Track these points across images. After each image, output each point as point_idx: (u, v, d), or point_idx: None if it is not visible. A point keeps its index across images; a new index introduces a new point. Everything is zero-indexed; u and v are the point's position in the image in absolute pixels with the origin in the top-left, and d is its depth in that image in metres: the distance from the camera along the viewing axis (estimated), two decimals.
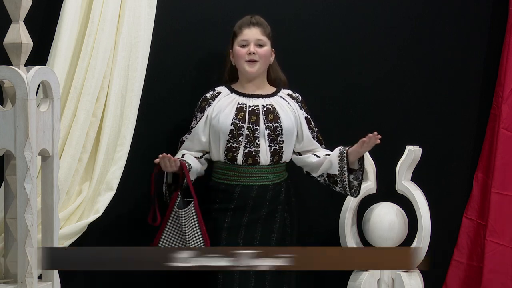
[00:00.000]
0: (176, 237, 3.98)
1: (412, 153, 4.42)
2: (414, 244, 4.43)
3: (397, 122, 4.67)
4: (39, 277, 3.64)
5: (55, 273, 3.64)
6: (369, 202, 4.50)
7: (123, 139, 4.03)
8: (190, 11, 4.32)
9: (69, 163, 3.88)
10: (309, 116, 4.16)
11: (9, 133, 3.46)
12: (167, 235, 3.97)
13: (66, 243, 3.91)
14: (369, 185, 4.46)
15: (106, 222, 4.05)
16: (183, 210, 3.93)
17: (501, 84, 4.70)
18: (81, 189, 3.97)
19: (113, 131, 4.01)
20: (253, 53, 4.04)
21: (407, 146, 4.47)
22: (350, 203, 4.42)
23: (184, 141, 4.08)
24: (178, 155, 4.05)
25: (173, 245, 3.97)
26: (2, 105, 3.58)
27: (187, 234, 3.94)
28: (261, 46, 4.07)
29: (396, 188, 4.48)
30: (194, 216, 3.97)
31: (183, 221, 3.93)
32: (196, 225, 3.97)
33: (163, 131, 4.29)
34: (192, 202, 3.95)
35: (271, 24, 4.22)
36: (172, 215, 3.96)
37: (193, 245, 3.96)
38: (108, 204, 4.00)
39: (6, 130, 3.46)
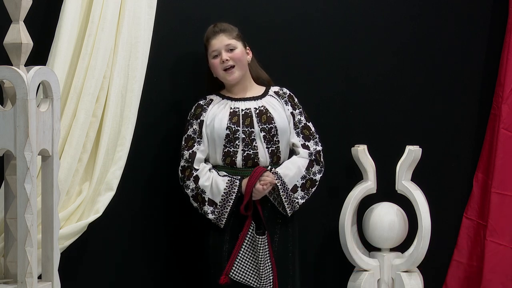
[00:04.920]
0: (250, 264, 3.98)
1: (412, 153, 4.42)
2: (414, 244, 4.43)
3: (397, 122, 4.67)
4: (39, 277, 3.64)
5: (55, 273, 3.64)
6: (369, 202, 4.51)
7: (123, 139, 4.03)
8: (190, 11, 4.32)
9: (69, 163, 3.87)
10: (295, 111, 4.13)
11: (9, 133, 3.45)
12: (240, 261, 3.97)
13: (66, 243, 3.91)
14: (369, 185, 4.46)
15: (106, 222, 4.05)
16: (263, 237, 3.96)
17: (501, 84, 4.70)
18: (81, 189, 3.97)
19: (113, 131, 4.01)
20: (226, 60, 4.04)
21: (407, 146, 4.47)
22: (350, 203, 4.41)
23: (195, 153, 4.02)
24: (204, 171, 3.99)
25: (246, 272, 3.98)
26: (2, 105, 3.58)
27: (261, 262, 3.96)
28: (232, 50, 4.06)
29: (396, 188, 4.48)
30: (267, 246, 3.99)
31: (261, 249, 3.96)
32: (267, 255, 3.99)
33: (163, 131, 4.29)
34: (266, 232, 3.99)
35: (271, 24, 4.22)
36: (247, 241, 3.97)
37: (265, 275, 3.98)
38: (108, 204, 3.99)
39: (6, 130, 3.46)
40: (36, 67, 3.52)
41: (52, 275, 3.63)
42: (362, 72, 4.62)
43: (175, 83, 4.31)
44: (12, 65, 3.50)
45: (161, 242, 4.30)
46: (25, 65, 3.55)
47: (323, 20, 4.55)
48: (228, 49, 4.05)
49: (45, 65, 3.80)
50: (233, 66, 4.04)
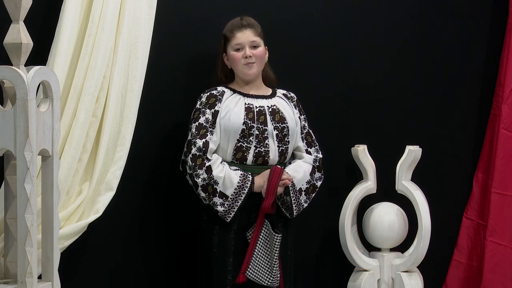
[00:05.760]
0: (263, 262, 3.98)
1: (412, 153, 4.42)
2: (414, 244, 4.43)
3: (397, 122, 4.67)
4: (39, 277, 3.64)
5: (55, 273, 3.64)
6: (369, 202, 4.51)
7: (123, 139, 4.03)
8: (190, 11, 4.32)
9: (69, 163, 3.87)
10: (301, 116, 4.16)
11: (9, 133, 3.45)
12: (255, 260, 3.97)
13: (66, 243, 3.91)
14: (369, 185, 4.46)
15: (106, 222, 4.05)
16: (279, 235, 3.96)
17: (501, 84, 4.70)
18: (81, 189, 3.97)
19: (113, 131, 4.01)
20: (250, 56, 4.04)
21: (407, 146, 4.47)
22: (350, 203, 4.42)
23: (208, 143, 3.97)
24: (217, 162, 3.96)
25: (259, 270, 3.97)
26: (2, 105, 3.58)
27: (275, 260, 3.96)
28: (255, 47, 4.06)
29: (396, 188, 4.48)
30: (278, 245, 3.99)
31: (276, 247, 3.96)
32: (277, 254, 3.99)
33: (163, 131, 4.29)
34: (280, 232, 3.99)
35: (271, 24, 4.22)
36: (261, 240, 3.97)
37: (275, 272, 3.98)
38: (108, 204, 3.99)
39: (6, 130, 3.46)
40: (36, 67, 3.52)
41: (52, 275, 3.63)
42: (362, 72, 4.62)
43: (175, 83, 4.31)
44: (12, 65, 3.50)
45: (161, 242, 4.30)
46: (25, 65, 3.55)
47: (323, 20, 4.55)
48: (252, 45, 4.05)
49: (45, 65, 3.80)
50: (253, 63, 4.05)
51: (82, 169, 3.94)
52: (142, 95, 4.07)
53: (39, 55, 3.86)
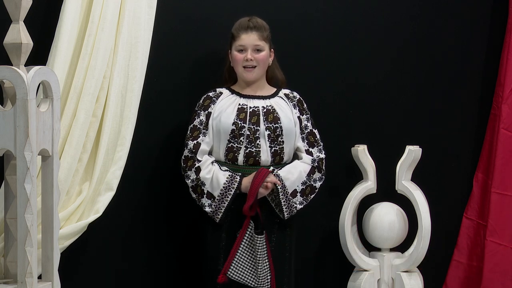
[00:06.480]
0: (248, 264, 3.97)
1: (412, 153, 4.42)
2: (414, 244, 4.43)
3: (397, 122, 4.67)
4: (39, 277, 3.64)
5: (55, 273, 3.64)
6: (369, 202, 4.51)
7: (123, 139, 4.03)
8: (190, 11, 4.32)
9: (69, 163, 3.88)
10: (302, 116, 4.14)
11: (9, 133, 3.46)
12: (238, 261, 3.96)
13: (66, 243, 3.91)
14: (369, 185, 4.46)
15: (106, 222, 4.05)
16: (261, 237, 3.94)
17: (501, 84, 4.70)
18: (81, 189, 3.97)
19: (113, 131, 4.01)
20: (251, 59, 4.04)
21: (407, 146, 4.47)
22: (350, 203, 4.41)
23: (200, 144, 4.01)
24: (206, 163, 3.99)
25: (244, 271, 3.97)
26: (2, 105, 3.58)
27: (259, 262, 3.95)
28: (258, 51, 4.06)
29: (396, 188, 4.48)
30: (265, 246, 3.97)
31: (259, 248, 3.94)
32: (266, 255, 3.98)
33: (163, 131, 4.29)
34: (264, 232, 3.97)
35: (271, 24, 4.22)
36: (245, 241, 3.97)
37: (263, 275, 3.97)
38: (108, 204, 4.00)
39: (6, 130, 3.46)
40: (36, 67, 3.52)
41: (52, 275, 3.63)
42: (362, 72, 4.62)
43: (175, 83, 4.32)
44: (12, 65, 3.50)
45: (161, 242, 4.30)
46: (25, 65, 3.55)
47: (323, 20, 4.55)
48: (256, 49, 4.05)
49: (45, 65, 3.80)
50: (254, 67, 4.05)
51: (82, 169, 3.95)
52: (142, 95, 4.07)
53: (39, 55, 3.86)
